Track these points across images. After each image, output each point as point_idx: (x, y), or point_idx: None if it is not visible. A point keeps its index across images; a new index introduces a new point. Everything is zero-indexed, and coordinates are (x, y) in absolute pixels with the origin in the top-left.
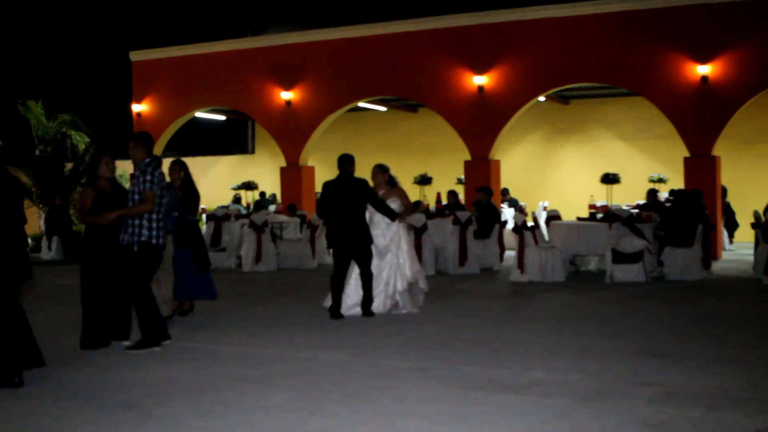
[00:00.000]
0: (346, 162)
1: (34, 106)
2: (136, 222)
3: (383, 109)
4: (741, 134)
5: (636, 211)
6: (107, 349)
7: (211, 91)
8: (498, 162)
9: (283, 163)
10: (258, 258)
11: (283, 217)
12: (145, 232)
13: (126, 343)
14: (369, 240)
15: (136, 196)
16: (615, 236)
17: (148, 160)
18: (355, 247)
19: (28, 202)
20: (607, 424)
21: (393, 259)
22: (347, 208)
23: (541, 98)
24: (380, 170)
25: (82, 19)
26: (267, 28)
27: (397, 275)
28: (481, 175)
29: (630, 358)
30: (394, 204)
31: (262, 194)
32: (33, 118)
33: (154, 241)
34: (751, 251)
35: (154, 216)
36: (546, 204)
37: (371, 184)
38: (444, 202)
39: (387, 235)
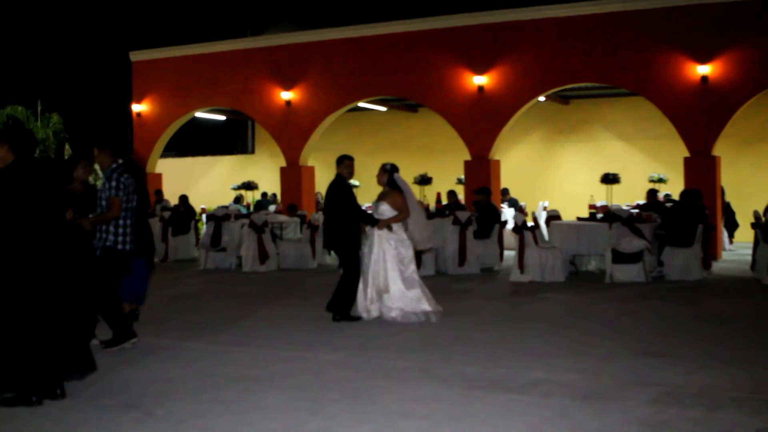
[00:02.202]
0: (336, 163)
1: (19, 111)
2: (104, 228)
3: (383, 109)
4: (741, 134)
5: (636, 211)
6: (107, 350)
7: (211, 91)
8: (498, 162)
9: (283, 163)
10: (263, 259)
11: (283, 217)
12: (110, 237)
13: (95, 342)
14: (345, 243)
15: (104, 202)
16: (615, 236)
17: (114, 165)
18: (335, 249)
19: None
20: (607, 424)
21: (373, 266)
22: (328, 210)
23: (541, 98)
24: (381, 170)
25: (82, 19)
26: (267, 28)
27: (369, 282)
28: (481, 175)
29: (630, 358)
30: (381, 207)
31: (264, 194)
32: (23, 120)
33: (120, 246)
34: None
35: (120, 222)
36: (546, 204)
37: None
38: (444, 202)
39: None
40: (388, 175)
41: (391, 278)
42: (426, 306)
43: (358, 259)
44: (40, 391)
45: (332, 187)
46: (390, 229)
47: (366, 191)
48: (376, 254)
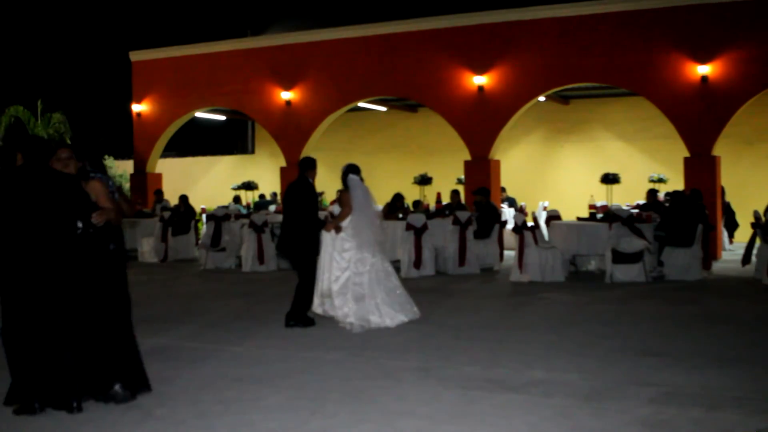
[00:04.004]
0: (303, 165)
1: (22, 111)
2: None
3: (383, 109)
4: (741, 134)
5: (636, 211)
6: None
7: (211, 91)
8: (498, 162)
9: (283, 163)
10: (260, 259)
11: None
12: None
13: None
14: (301, 247)
15: None
16: (615, 236)
17: None
18: (289, 253)
19: None
20: (607, 424)
21: (320, 268)
22: (287, 212)
23: (541, 98)
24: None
25: (82, 19)
26: (267, 28)
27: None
28: (481, 175)
29: (630, 358)
30: (334, 209)
31: (261, 196)
32: (25, 120)
33: None
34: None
35: None
36: (546, 204)
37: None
38: (446, 201)
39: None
40: (344, 176)
41: (333, 283)
42: (372, 318)
43: (313, 265)
44: (47, 399)
45: (295, 188)
46: (338, 230)
47: None
48: (322, 257)
